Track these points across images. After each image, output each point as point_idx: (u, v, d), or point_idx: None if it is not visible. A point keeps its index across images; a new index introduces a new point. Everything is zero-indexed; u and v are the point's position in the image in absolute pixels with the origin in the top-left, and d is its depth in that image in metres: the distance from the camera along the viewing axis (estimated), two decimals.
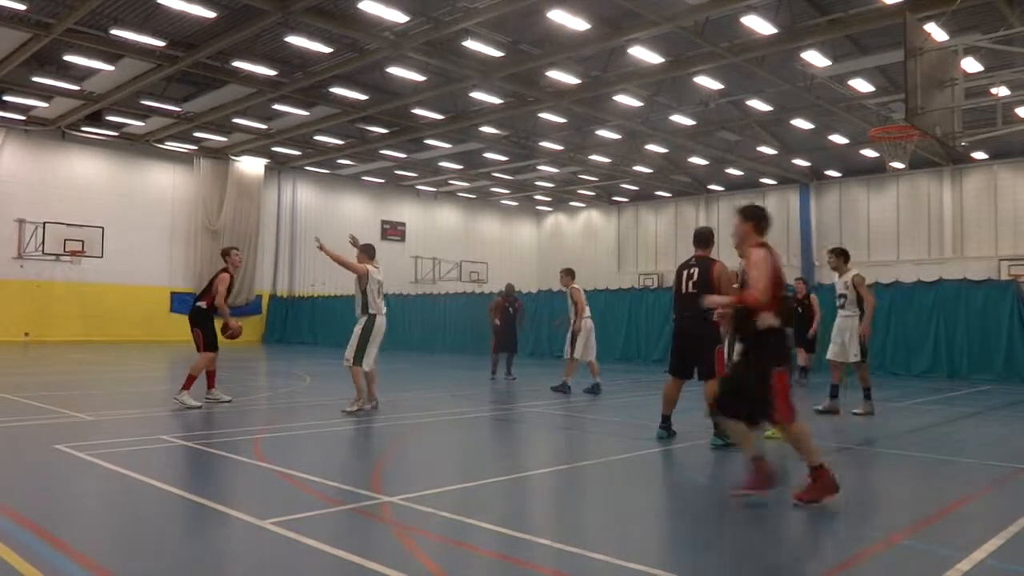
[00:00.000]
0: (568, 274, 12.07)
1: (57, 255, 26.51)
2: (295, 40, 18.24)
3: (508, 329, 14.40)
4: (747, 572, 3.79)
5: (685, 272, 7.28)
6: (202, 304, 9.74)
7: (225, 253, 10.04)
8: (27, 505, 4.68)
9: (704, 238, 7.48)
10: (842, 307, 9.47)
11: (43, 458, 6.23)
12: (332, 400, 10.94)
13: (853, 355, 9.34)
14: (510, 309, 14.51)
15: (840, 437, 7.91)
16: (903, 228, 32.03)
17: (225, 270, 9.82)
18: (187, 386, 9.24)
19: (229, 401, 9.67)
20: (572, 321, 11.85)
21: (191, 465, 6.23)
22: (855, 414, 9.25)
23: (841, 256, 9.58)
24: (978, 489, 5.59)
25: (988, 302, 15.36)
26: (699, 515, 5.00)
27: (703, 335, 7.06)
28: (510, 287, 15.37)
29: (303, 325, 30.68)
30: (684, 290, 7.20)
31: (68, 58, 19.80)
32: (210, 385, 9.68)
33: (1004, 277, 24.38)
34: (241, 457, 6.32)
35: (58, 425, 7.89)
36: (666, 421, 7.39)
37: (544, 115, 24.93)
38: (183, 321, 33.27)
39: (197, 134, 27.90)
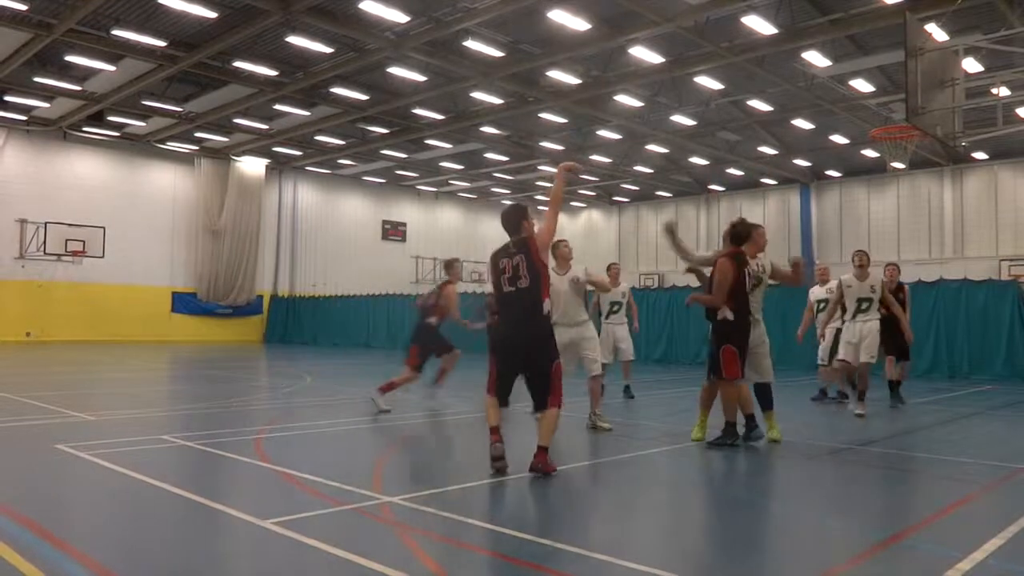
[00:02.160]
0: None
1: (58, 255, 26.52)
2: (296, 40, 18.25)
3: None
4: (747, 572, 3.79)
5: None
6: (433, 320, 9.49)
7: (448, 266, 9.86)
8: (27, 505, 4.69)
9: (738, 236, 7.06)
10: (865, 311, 9.22)
11: (43, 458, 6.24)
12: (333, 400, 10.96)
13: (870, 356, 9.12)
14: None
15: (840, 437, 7.91)
16: (903, 228, 32.03)
17: (449, 283, 9.66)
18: (386, 388, 9.17)
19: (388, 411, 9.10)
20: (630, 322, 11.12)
21: (192, 465, 6.24)
22: (858, 415, 9.20)
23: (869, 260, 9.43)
24: (978, 489, 5.59)
25: (989, 302, 15.35)
26: (699, 515, 5.00)
27: (714, 333, 6.89)
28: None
29: (304, 325, 30.71)
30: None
31: (69, 58, 19.81)
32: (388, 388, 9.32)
33: (1005, 277, 24.38)
34: (242, 457, 6.32)
35: (59, 425, 7.90)
36: (740, 425, 6.84)
37: (544, 115, 24.94)
38: (185, 321, 33.31)
39: (198, 134, 27.92)
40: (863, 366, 9.17)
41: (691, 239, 37.93)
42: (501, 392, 5.66)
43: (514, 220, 5.76)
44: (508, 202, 42.10)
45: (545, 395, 5.49)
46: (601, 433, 7.76)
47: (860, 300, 9.15)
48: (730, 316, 6.72)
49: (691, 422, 8.00)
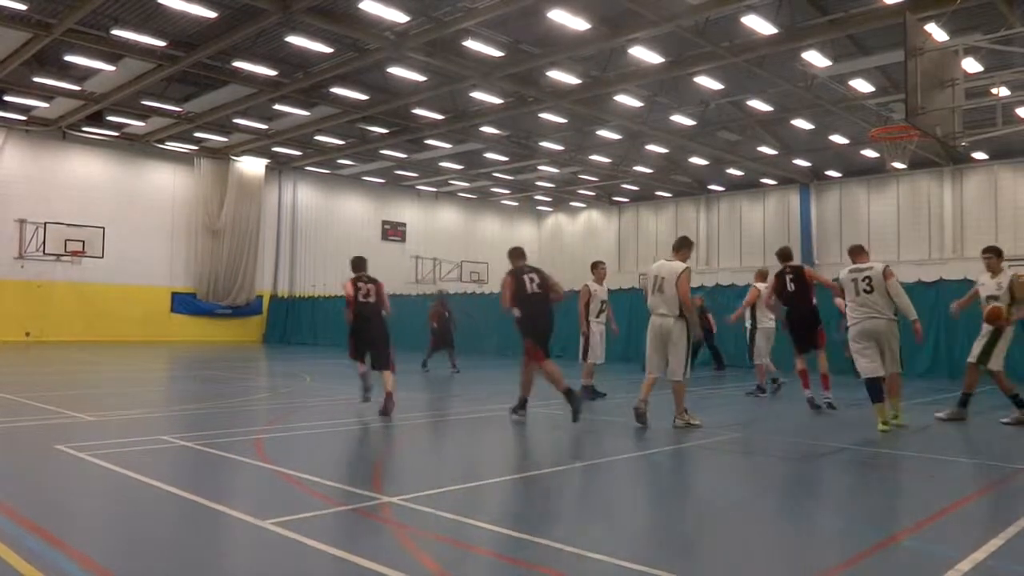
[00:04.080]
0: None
1: (58, 255, 26.52)
2: (295, 40, 18.25)
3: (445, 330, 16.28)
4: (747, 572, 3.79)
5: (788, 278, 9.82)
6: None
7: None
8: (27, 505, 4.68)
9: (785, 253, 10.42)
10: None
11: (43, 458, 6.24)
12: (332, 400, 10.95)
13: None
14: (446, 313, 16.46)
15: (840, 437, 7.91)
16: (903, 228, 32.03)
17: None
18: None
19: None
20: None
21: (192, 465, 6.24)
22: (1004, 423, 8.72)
23: (1000, 256, 9.05)
24: (978, 489, 5.59)
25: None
26: (699, 515, 5.00)
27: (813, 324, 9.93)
28: (443, 293, 17.45)
29: (303, 325, 30.69)
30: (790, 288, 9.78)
31: (69, 58, 19.81)
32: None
33: None
34: (241, 457, 6.32)
35: (58, 425, 7.90)
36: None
37: (544, 115, 24.93)
38: (184, 321, 33.30)
39: (198, 134, 27.91)
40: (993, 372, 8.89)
41: (691, 238, 37.85)
42: (361, 356, 9.19)
43: (364, 264, 9.47)
44: (508, 202, 42.21)
45: (385, 362, 9.00)
46: (603, 434, 7.75)
47: (988, 298, 8.96)
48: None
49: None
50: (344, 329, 9.43)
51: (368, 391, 9.19)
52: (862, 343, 8.06)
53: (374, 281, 9.28)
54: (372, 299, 9.09)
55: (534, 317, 8.42)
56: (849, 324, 8.26)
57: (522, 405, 8.60)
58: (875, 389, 7.92)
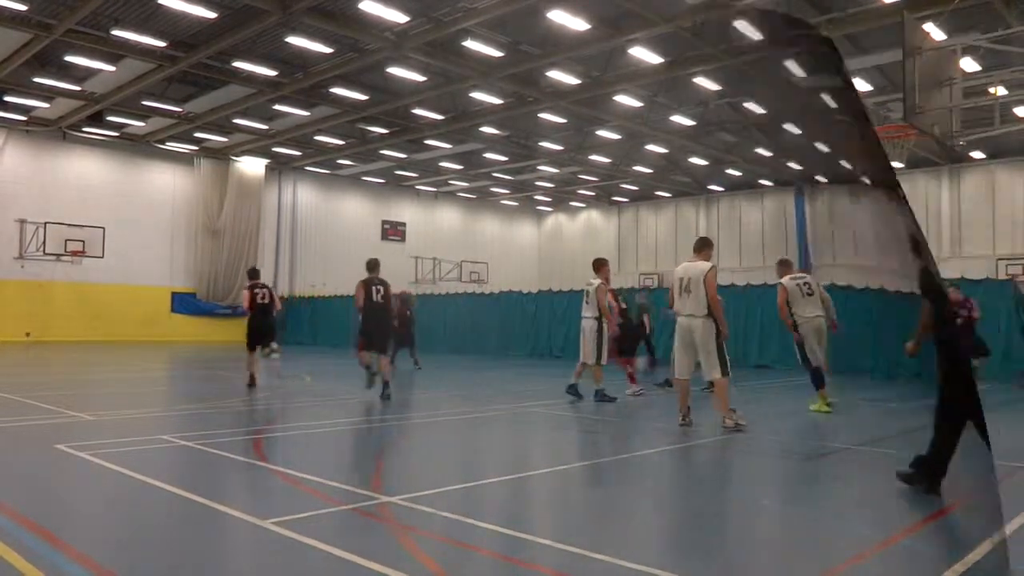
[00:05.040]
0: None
1: (58, 255, 26.52)
2: (295, 40, 18.25)
3: (407, 328, 17.15)
4: (747, 572, 3.80)
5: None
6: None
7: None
8: (27, 505, 4.69)
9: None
10: None
11: (43, 458, 6.25)
12: (333, 400, 10.96)
13: None
14: (408, 313, 17.31)
15: (840, 437, 7.92)
16: None
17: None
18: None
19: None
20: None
21: (192, 465, 6.25)
22: None
23: None
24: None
25: (986, 301, 15.32)
26: (699, 515, 5.01)
27: None
28: (406, 294, 18.34)
29: (303, 325, 30.67)
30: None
31: (69, 59, 19.81)
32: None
33: (1002, 276, 24.37)
34: (241, 457, 6.33)
35: (58, 425, 7.91)
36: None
37: (544, 115, 24.93)
38: (184, 321, 33.23)
39: (198, 134, 27.91)
40: None
41: (691, 238, 37.87)
42: (255, 346, 11.87)
43: (258, 274, 12.73)
44: (508, 202, 42.19)
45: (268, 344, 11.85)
46: (604, 434, 7.75)
47: None
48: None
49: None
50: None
51: (255, 376, 11.72)
52: (815, 337, 9.46)
53: (266, 286, 12.35)
54: (266, 301, 12.10)
55: (373, 321, 10.45)
56: (800, 321, 9.56)
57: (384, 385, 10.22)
58: (821, 376, 9.38)
